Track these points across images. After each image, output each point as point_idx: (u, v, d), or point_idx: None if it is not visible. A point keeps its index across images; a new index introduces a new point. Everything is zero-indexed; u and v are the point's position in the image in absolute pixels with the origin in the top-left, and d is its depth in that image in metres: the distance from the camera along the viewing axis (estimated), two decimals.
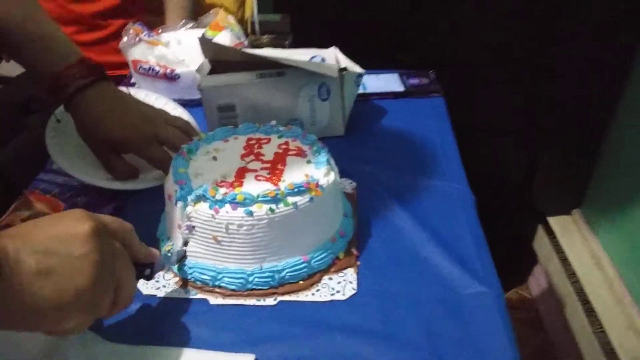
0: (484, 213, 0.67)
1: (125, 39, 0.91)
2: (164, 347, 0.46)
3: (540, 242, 1.47)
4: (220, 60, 0.81)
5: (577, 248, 1.34)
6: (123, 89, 0.71)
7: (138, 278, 0.45)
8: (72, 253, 0.37)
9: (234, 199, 0.50)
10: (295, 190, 0.51)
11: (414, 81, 0.95)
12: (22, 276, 0.34)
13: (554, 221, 1.41)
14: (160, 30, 0.98)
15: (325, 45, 0.85)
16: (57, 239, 0.37)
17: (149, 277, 0.47)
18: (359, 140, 0.80)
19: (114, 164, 0.66)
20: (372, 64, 0.99)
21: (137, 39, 0.91)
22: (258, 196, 0.50)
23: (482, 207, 0.68)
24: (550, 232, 1.42)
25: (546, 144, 1.32)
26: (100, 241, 0.38)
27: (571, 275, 1.31)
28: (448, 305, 0.50)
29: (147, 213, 0.62)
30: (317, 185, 0.53)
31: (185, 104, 0.89)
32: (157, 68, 0.87)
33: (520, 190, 1.42)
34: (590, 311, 1.21)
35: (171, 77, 0.87)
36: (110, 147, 0.65)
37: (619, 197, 1.23)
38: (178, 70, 0.87)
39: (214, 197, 0.50)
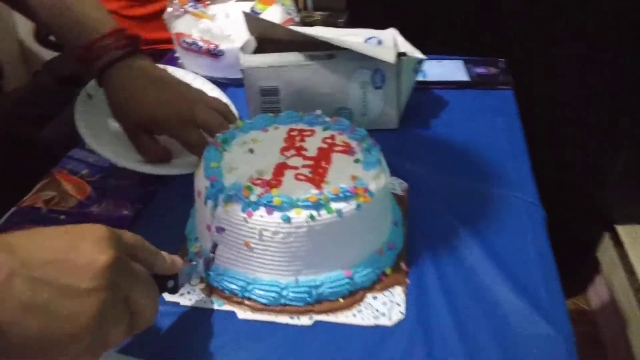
0: (551, 215, 0.58)
1: (169, 9, 0.86)
2: None
3: (606, 250, 1.34)
4: (267, 37, 0.74)
5: None
6: (161, 66, 0.66)
7: (161, 292, 0.39)
8: (78, 287, 0.30)
9: (270, 201, 0.43)
10: (341, 195, 0.44)
11: (481, 70, 0.85)
12: (7, 305, 0.28)
13: (623, 230, 1.29)
14: (208, 2, 0.92)
15: (383, 25, 0.76)
16: (64, 267, 0.30)
17: (172, 290, 0.41)
18: (415, 136, 0.71)
19: (147, 145, 0.60)
20: (435, 49, 0.90)
21: (182, 10, 0.86)
22: (297, 200, 0.44)
23: (551, 209, 0.59)
24: (617, 242, 1.29)
25: (624, 145, 1.19)
26: (117, 274, 0.32)
27: (637, 290, 1.19)
28: (504, 347, 0.43)
29: (177, 206, 0.56)
30: (365, 190, 0.46)
31: (228, 83, 0.83)
32: (200, 43, 0.81)
33: (590, 192, 1.30)
34: None
35: (215, 54, 0.81)
36: (144, 127, 0.60)
37: None
38: (222, 47, 0.81)
39: (247, 197, 0.44)
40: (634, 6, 1.04)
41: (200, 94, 0.63)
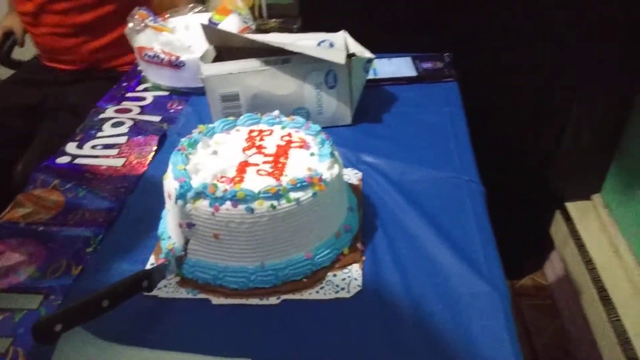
0: (501, 198, 0.64)
1: (130, 24, 0.90)
2: (162, 351, 0.45)
3: (557, 227, 1.43)
4: (225, 46, 0.79)
5: (595, 234, 1.30)
6: None
7: (137, 291, 0.43)
8: None
9: (234, 196, 0.48)
10: (298, 185, 0.50)
11: (428, 65, 0.91)
12: None
13: (572, 206, 1.38)
14: (167, 15, 0.96)
15: (337, 28, 0.82)
16: None
17: (148, 289, 0.45)
18: (368, 129, 0.77)
19: None
20: (388, 47, 0.96)
21: (143, 24, 0.89)
22: (259, 192, 0.49)
23: (499, 192, 0.65)
24: (568, 218, 1.38)
25: (565, 127, 1.28)
26: None
27: (588, 262, 1.28)
28: (450, 305, 0.49)
29: (148, 209, 0.61)
30: (320, 179, 0.51)
31: (191, 92, 0.88)
32: (162, 55, 0.86)
33: (538, 174, 1.39)
34: (606, 299, 1.18)
35: (176, 65, 0.85)
36: None
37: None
38: (183, 58, 0.85)
39: (213, 194, 0.49)
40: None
41: None
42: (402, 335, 0.47)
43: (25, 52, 1.31)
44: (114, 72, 1.09)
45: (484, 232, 0.57)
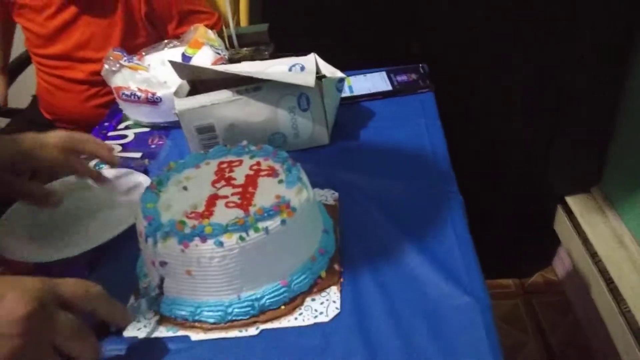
0: (503, 199, 0.63)
1: (106, 66, 0.91)
2: None
3: (561, 222, 1.42)
4: (198, 79, 0.80)
5: (597, 227, 1.29)
6: None
7: (105, 335, 0.44)
8: None
9: (202, 231, 0.48)
10: (265, 214, 0.50)
11: (402, 78, 0.92)
12: None
13: (572, 201, 1.36)
14: (143, 53, 0.98)
15: (310, 51, 0.82)
16: None
17: (118, 332, 0.46)
18: (345, 148, 0.77)
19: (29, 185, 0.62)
20: (364, 63, 0.97)
21: (118, 65, 0.91)
22: (227, 225, 0.49)
23: (500, 194, 0.64)
24: (570, 212, 1.37)
25: (560, 122, 1.27)
26: (37, 323, 0.37)
27: (594, 255, 1.26)
28: (431, 321, 0.48)
29: (130, 247, 0.61)
30: (288, 206, 0.51)
31: (170, 126, 0.89)
32: (138, 93, 0.87)
33: (536, 172, 1.38)
34: (615, 291, 1.16)
35: (153, 101, 0.87)
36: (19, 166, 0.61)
37: (638, 172, 1.17)
38: (159, 93, 0.86)
39: (182, 231, 0.49)
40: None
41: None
42: (382, 355, 0.46)
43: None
44: None
45: (464, 242, 0.57)
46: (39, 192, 0.62)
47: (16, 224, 0.67)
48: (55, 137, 0.62)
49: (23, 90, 1.45)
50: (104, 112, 1.02)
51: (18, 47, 1.38)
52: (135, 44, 1.14)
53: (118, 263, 0.62)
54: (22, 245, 0.63)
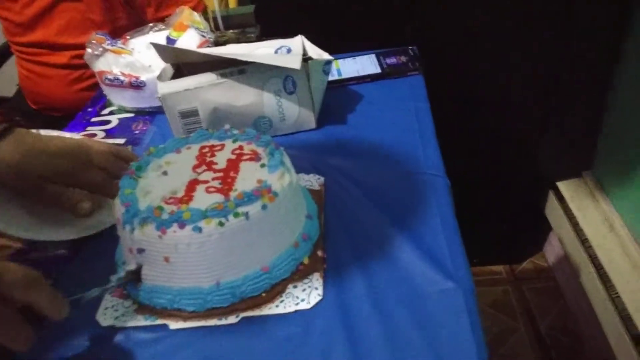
0: (494, 185, 0.62)
1: (89, 50, 0.89)
2: None
3: (552, 208, 1.41)
4: (182, 62, 0.78)
5: (588, 212, 1.28)
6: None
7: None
8: None
9: (180, 217, 0.47)
10: (245, 199, 0.48)
11: (392, 60, 0.90)
12: None
13: (563, 186, 1.36)
14: (128, 37, 0.95)
15: (297, 33, 0.80)
16: None
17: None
18: (332, 132, 0.76)
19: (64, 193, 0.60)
20: (354, 45, 0.95)
21: (101, 49, 0.89)
22: (206, 211, 0.48)
23: (491, 180, 0.63)
24: (561, 197, 1.36)
25: (552, 107, 1.26)
26: None
27: (584, 240, 1.26)
28: (413, 307, 0.47)
29: (111, 235, 0.60)
30: (269, 190, 0.50)
31: (155, 111, 0.87)
32: (121, 77, 0.85)
33: (529, 157, 1.38)
34: (605, 276, 1.16)
35: (137, 85, 0.85)
36: (41, 184, 0.59)
37: (630, 156, 1.17)
38: (143, 78, 0.85)
39: (159, 217, 0.48)
40: None
41: (90, 140, 0.65)
42: (364, 342, 0.45)
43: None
44: None
45: (449, 227, 0.56)
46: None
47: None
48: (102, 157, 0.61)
49: (9, 80, 1.42)
50: (90, 94, 1.00)
51: None
52: (116, 27, 1.12)
53: (100, 250, 0.60)
54: (20, 218, 0.60)
